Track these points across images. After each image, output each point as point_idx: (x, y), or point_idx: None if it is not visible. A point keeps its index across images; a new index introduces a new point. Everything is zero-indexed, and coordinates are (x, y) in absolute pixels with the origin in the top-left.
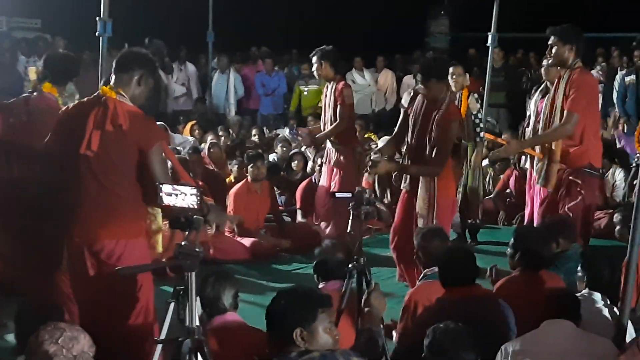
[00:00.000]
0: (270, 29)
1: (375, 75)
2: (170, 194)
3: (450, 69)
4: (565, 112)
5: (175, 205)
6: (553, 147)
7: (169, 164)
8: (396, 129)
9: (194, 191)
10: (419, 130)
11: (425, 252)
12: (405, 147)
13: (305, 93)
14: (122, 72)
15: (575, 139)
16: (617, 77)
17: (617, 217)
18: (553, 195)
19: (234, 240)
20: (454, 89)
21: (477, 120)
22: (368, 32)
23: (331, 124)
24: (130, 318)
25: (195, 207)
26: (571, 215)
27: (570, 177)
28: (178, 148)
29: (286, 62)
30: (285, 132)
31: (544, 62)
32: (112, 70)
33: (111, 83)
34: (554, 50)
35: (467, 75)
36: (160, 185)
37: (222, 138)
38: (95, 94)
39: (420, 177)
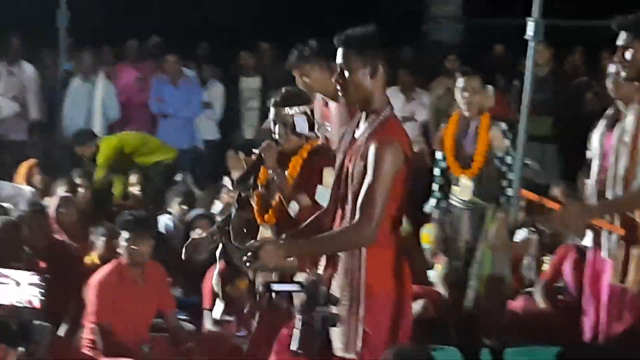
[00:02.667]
0: (161, 8)
1: None
2: None
3: (459, 81)
4: None
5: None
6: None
7: None
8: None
9: (36, 279)
10: (338, 173)
11: None
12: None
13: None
14: None
15: None
16: None
17: None
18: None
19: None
20: (466, 112)
21: (503, 168)
22: (334, 15)
23: None
24: None
25: (36, 304)
26: None
27: None
28: (5, 205)
29: (194, 61)
30: (185, 177)
31: (610, 69)
32: None
33: None
34: (628, 56)
35: (490, 90)
36: None
37: (81, 190)
38: None
39: (342, 256)
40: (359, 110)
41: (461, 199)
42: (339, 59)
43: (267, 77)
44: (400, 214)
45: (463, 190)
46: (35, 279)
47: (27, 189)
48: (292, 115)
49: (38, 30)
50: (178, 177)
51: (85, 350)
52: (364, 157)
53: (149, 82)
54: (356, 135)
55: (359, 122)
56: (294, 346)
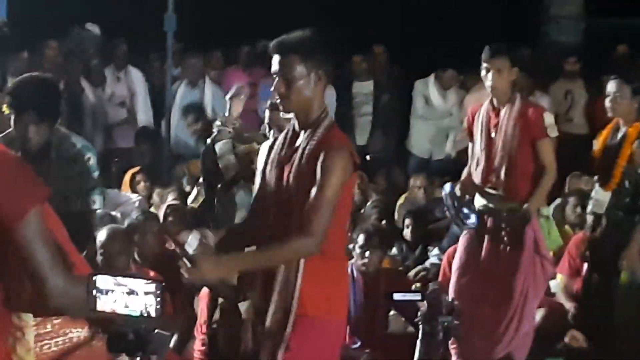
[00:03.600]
0: (268, 10)
1: (462, 94)
2: (108, 291)
3: (609, 86)
4: None
5: (115, 310)
6: None
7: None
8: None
9: (152, 287)
10: (276, 184)
11: None
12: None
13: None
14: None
15: None
16: None
17: None
18: None
19: None
20: (622, 124)
21: None
22: (449, 18)
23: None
24: None
25: (153, 314)
26: None
27: None
28: (113, 213)
29: None
30: None
31: None
32: None
33: None
34: None
35: None
36: (93, 277)
37: (190, 198)
38: None
39: (279, 273)
40: (296, 119)
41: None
42: (276, 66)
43: (380, 81)
44: (347, 224)
45: (598, 202)
46: (152, 287)
47: (135, 196)
48: (290, 120)
49: (145, 35)
50: None
51: None
52: (312, 166)
53: (258, 88)
54: (297, 145)
55: (292, 133)
56: (416, 357)
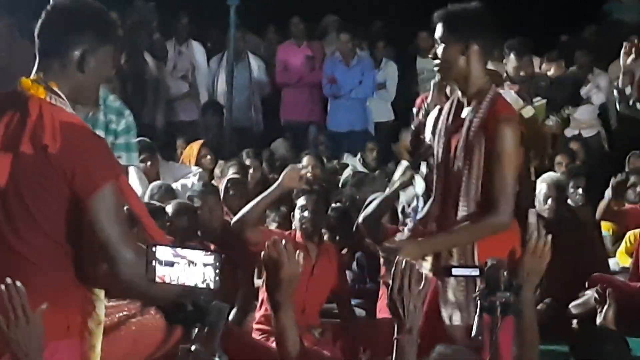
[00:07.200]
0: None
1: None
2: (168, 263)
3: None
4: None
5: (175, 282)
6: None
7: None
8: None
9: (211, 259)
10: (444, 155)
11: None
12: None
13: None
14: (54, 49)
15: None
16: None
17: None
18: None
19: (261, 346)
20: None
21: None
22: None
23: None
24: None
25: (212, 286)
26: None
27: None
28: (175, 185)
29: (367, 39)
30: (355, 161)
31: None
32: (37, 47)
33: (35, 71)
34: None
35: None
36: (153, 248)
37: (251, 171)
38: (12, 90)
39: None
40: (459, 90)
41: None
42: (438, 34)
43: None
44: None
45: None
46: (211, 259)
47: (195, 169)
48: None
49: (208, 8)
50: (349, 160)
51: (256, 334)
52: (479, 138)
53: (318, 62)
54: (462, 116)
55: (456, 104)
56: (473, 333)
